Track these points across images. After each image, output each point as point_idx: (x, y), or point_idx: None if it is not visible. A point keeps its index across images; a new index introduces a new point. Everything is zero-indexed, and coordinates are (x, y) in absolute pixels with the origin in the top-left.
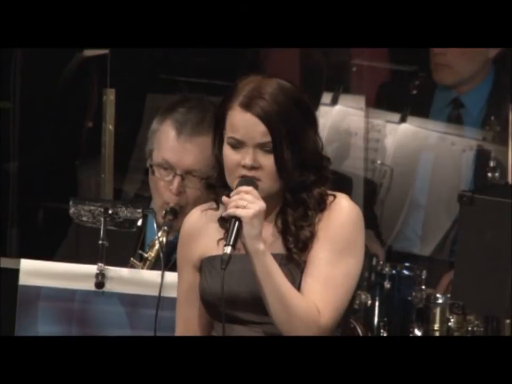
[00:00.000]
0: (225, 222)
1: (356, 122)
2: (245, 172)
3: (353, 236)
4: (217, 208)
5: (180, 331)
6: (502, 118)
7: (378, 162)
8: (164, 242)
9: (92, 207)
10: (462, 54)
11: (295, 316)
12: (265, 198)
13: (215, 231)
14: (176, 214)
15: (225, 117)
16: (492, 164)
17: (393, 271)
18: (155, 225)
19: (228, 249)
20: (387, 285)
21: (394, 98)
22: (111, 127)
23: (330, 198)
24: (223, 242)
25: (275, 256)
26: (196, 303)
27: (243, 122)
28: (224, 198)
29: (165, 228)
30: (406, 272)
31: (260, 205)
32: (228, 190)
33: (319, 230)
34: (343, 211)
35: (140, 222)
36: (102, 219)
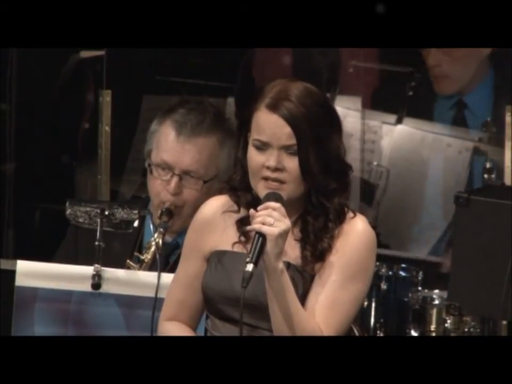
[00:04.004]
0: (243, 225)
1: (352, 124)
2: (268, 173)
3: (367, 262)
4: (238, 211)
5: (169, 312)
6: (498, 119)
7: (375, 163)
8: (160, 243)
9: (88, 208)
10: (456, 61)
11: (297, 334)
12: (287, 203)
13: (230, 228)
14: (172, 215)
15: (251, 119)
16: (488, 165)
17: (390, 272)
18: (151, 226)
19: (250, 267)
20: (383, 286)
21: (390, 99)
22: (107, 128)
23: (350, 214)
24: (234, 239)
25: (284, 263)
26: (197, 292)
27: (269, 124)
28: (251, 211)
29: (161, 229)
30: (402, 273)
31: (286, 224)
32: (249, 193)
33: (335, 247)
34: (360, 236)
35: (136, 223)
36: (99, 220)
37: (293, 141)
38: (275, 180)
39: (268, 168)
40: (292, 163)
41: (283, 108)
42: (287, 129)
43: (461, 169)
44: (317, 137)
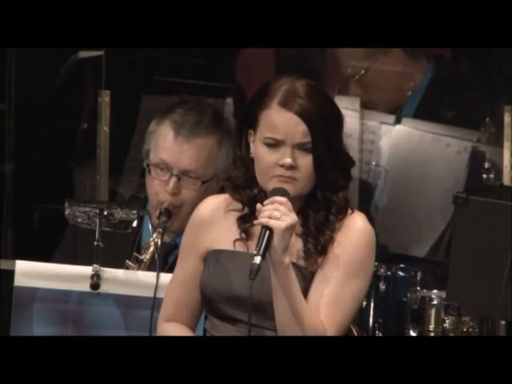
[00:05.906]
0: (245, 222)
1: (350, 124)
2: (282, 172)
3: (367, 260)
4: (243, 209)
5: (168, 312)
6: (497, 119)
7: (373, 163)
8: (159, 243)
9: (87, 208)
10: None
11: (302, 331)
12: (292, 199)
13: (228, 226)
14: (170, 215)
15: (258, 117)
16: (486, 165)
17: (388, 272)
18: (150, 226)
19: (258, 260)
20: (382, 286)
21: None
22: (106, 128)
23: (350, 210)
24: (233, 238)
25: None
26: (195, 291)
27: (283, 122)
28: (258, 206)
29: (160, 229)
30: (401, 273)
31: (293, 218)
32: (252, 191)
33: (337, 240)
34: (360, 232)
35: (135, 223)
36: (97, 220)
37: (307, 139)
38: (289, 177)
39: (281, 166)
40: (305, 160)
41: (296, 104)
42: (301, 127)
43: (459, 169)
44: (328, 133)
